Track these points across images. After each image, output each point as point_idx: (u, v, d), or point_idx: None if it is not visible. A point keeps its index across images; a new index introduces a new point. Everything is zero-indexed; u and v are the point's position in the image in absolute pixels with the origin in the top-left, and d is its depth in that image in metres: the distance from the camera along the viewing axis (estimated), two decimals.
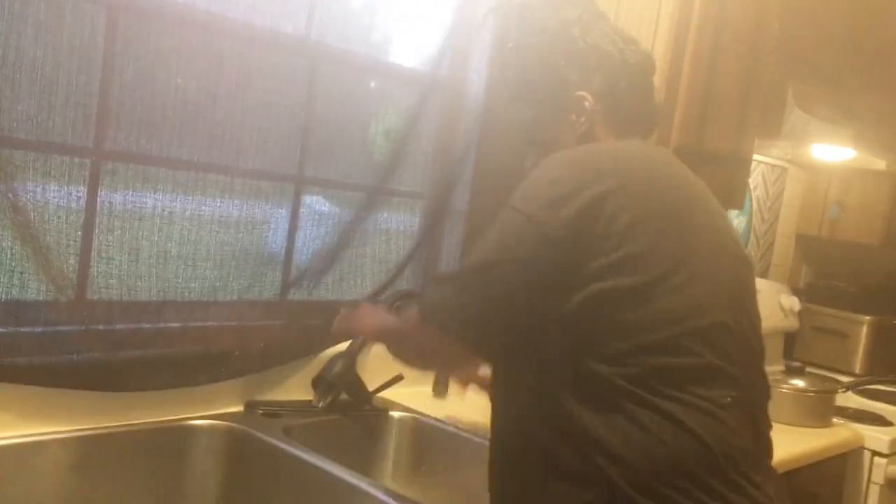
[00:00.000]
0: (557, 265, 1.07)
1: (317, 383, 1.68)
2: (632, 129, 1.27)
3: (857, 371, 2.87)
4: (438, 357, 1.24)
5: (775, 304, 2.87)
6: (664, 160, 1.25)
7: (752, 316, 1.19)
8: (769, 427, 1.19)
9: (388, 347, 1.24)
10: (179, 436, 1.47)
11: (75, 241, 1.39)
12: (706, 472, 1.05)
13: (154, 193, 1.47)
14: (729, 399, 1.09)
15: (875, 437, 2.13)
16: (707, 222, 1.18)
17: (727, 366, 1.10)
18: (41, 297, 1.36)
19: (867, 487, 2.11)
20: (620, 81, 1.24)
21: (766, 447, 1.18)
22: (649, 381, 1.05)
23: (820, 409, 2.11)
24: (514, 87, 1.31)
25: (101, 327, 1.42)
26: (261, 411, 1.59)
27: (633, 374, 1.05)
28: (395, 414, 1.75)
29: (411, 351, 1.24)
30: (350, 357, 1.69)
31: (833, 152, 2.64)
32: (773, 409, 2.10)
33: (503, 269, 1.09)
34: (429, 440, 1.71)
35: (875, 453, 2.12)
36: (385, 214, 1.86)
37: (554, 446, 1.10)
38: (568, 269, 1.07)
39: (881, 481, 2.10)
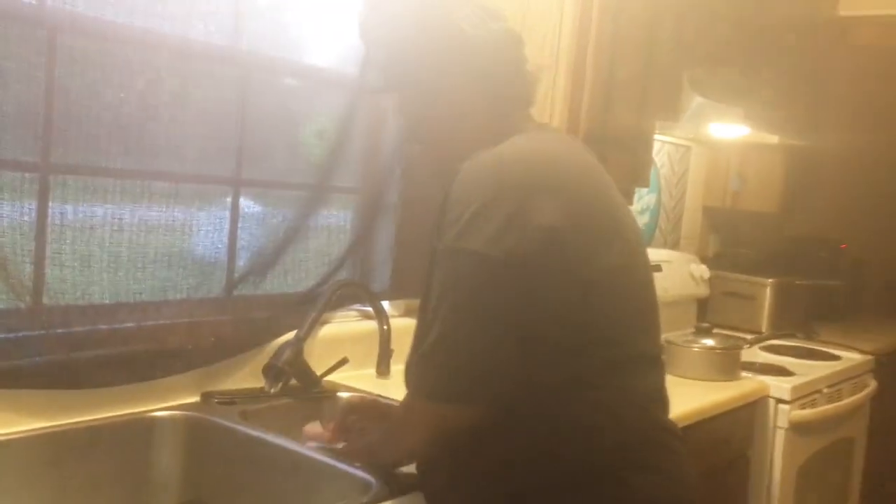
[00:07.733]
0: (526, 288, 1.12)
1: (267, 371, 1.78)
2: (512, 102, 1.31)
3: (763, 329, 3.09)
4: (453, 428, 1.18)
5: (686, 273, 3.08)
6: (579, 159, 1.29)
7: (655, 304, 1.33)
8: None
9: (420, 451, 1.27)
10: (142, 427, 1.54)
11: (29, 250, 1.47)
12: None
13: (103, 203, 1.55)
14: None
15: (778, 386, 2.33)
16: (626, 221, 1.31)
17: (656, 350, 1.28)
18: (1, 306, 1.44)
19: (774, 432, 2.33)
20: (489, 58, 1.27)
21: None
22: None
23: (727, 364, 2.31)
24: (389, 82, 1.33)
25: (59, 330, 1.48)
26: (216, 400, 1.66)
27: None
28: (343, 394, 1.84)
29: (432, 440, 1.21)
30: (297, 345, 1.80)
31: (730, 130, 2.85)
32: (686, 366, 2.30)
33: (479, 320, 1.12)
34: None
35: (779, 401, 2.32)
36: (325, 211, 1.97)
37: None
38: (536, 285, 1.12)
39: (786, 425, 2.31)
